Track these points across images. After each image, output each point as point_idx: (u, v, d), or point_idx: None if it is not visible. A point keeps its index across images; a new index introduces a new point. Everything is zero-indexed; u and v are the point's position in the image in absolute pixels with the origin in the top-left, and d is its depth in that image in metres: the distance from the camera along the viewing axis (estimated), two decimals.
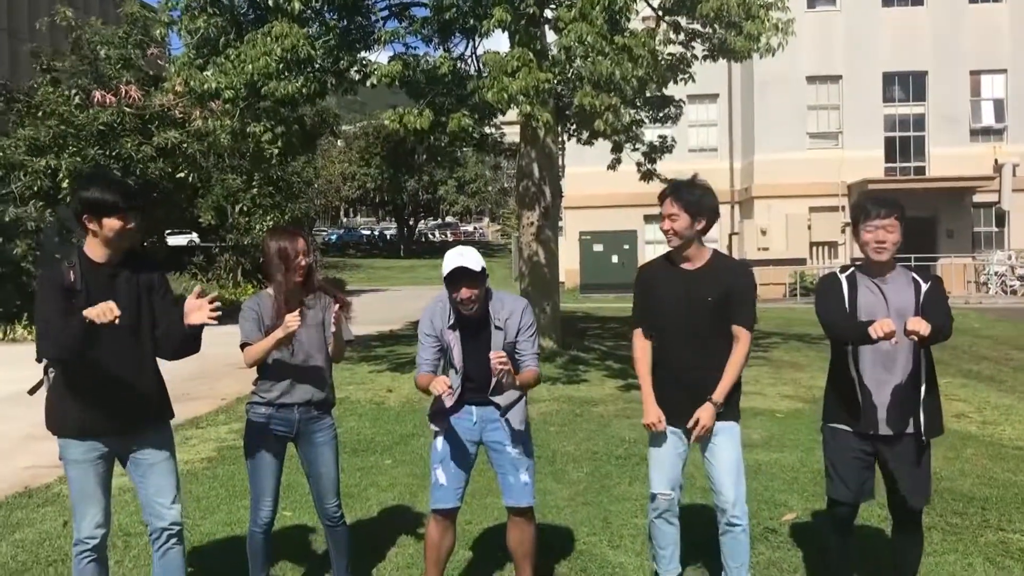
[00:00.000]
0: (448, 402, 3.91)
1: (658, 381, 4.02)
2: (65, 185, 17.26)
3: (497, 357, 3.60)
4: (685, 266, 3.98)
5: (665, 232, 3.94)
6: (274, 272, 3.97)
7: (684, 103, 16.89)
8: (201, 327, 3.41)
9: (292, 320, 3.75)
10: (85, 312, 3.13)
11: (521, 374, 3.91)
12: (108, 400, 3.43)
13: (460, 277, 3.76)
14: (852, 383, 3.77)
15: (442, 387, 3.68)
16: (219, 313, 3.36)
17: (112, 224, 3.38)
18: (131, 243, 3.51)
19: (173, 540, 3.61)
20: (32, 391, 3.58)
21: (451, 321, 3.93)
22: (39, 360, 3.47)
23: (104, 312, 3.10)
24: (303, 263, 3.97)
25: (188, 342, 3.50)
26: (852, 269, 3.86)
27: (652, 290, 4.05)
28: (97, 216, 3.36)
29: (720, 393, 3.85)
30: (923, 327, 3.37)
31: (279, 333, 3.78)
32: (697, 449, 4.07)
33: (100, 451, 3.47)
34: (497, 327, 3.90)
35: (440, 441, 4.01)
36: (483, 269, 3.79)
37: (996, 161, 27.42)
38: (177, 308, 3.51)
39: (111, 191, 3.38)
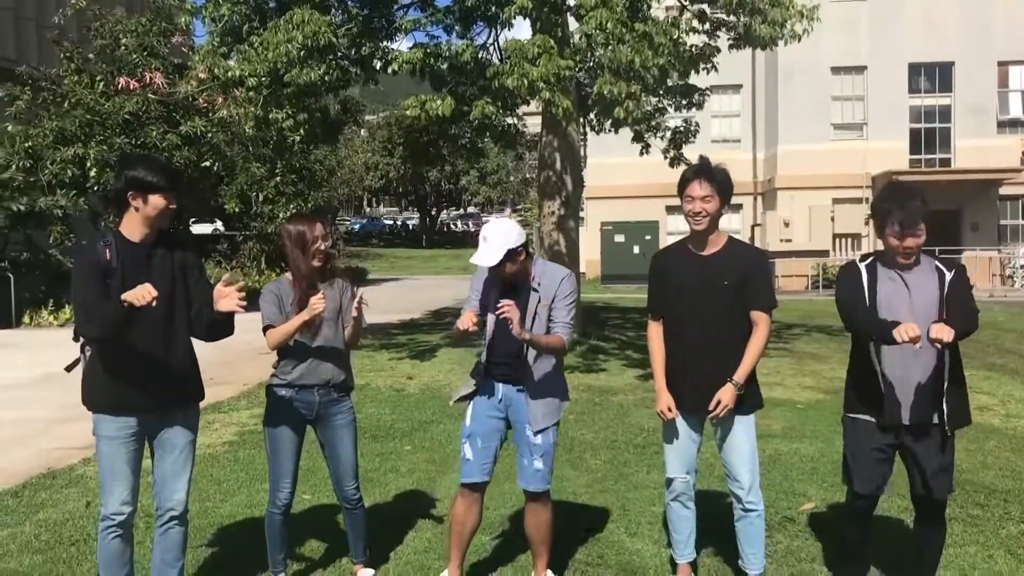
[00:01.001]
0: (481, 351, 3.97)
1: (673, 368, 4.02)
2: (93, 174, 17.42)
3: (504, 304, 3.63)
4: (702, 252, 3.97)
5: (696, 214, 3.87)
6: (292, 256, 4.04)
7: (708, 94, 16.80)
8: (230, 314, 3.51)
9: (318, 302, 3.81)
10: (124, 296, 3.22)
11: (544, 335, 3.89)
12: (143, 377, 3.51)
13: (490, 268, 3.83)
14: (875, 374, 3.72)
15: (466, 322, 3.72)
16: (245, 302, 3.46)
17: (157, 202, 3.48)
18: (167, 223, 3.59)
19: (175, 521, 3.70)
20: (69, 368, 3.66)
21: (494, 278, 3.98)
22: (76, 339, 3.57)
23: (142, 295, 3.19)
24: (321, 247, 4.03)
25: (220, 326, 3.61)
26: (873, 258, 3.82)
27: (668, 276, 4.04)
28: (143, 193, 3.46)
29: (741, 374, 3.83)
30: (946, 334, 3.33)
31: (305, 315, 3.85)
32: (713, 436, 4.09)
33: (133, 428, 3.53)
34: (534, 289, 3.93)
35: (468, 416, 4.06)
36: (508, 251, 3.75)
37: (1023, 153, 27.05)
38: (210, 290, 3.60)
39: (158, 171, 3.50)
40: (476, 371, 4.08)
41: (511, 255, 3.78)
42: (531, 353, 3.92)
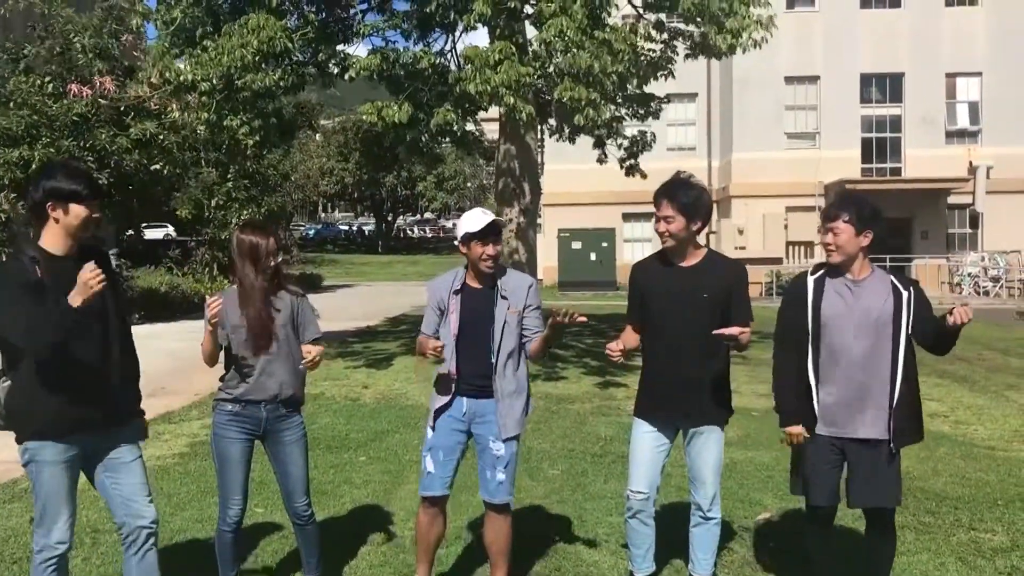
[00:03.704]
0: (445, 369, 3.97)
1: (651, 379, 4.05)
2: None
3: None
4: (680, 263, 3.98)
5: (660, 234, 3.94)
6: (241, 271, 3.90)
7: (668, 101, 16.92)
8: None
9: (212, 304, 3.71)
10: (71, 300, 3.06)
11: (533, 345, 4.01)
12: (84, 396, 3.32)
13: (490, 231, 3.85)
14: (807, 385, 3.80)
15: (430, 347, 3.79)
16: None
17: (78, 211, 3.28)
18: (91, 233, 3.40)
19: (152, 540, 3.53)
20: None
21: (457, 286, 3.97)
22: None
23: (89, 285, 3.03)
24: (272, 263, 3.90)
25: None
26: (824, 270, 3.85)
27: (647, 287, 4.05)
28: (64, 203, 3.26)
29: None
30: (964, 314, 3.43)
31: (207, 325, 3.77)
32: (679, 448, 4.12)
33: (74, 452, 3.36)
34: (503, 296, 3.94)
35: (430, 429, 4.03)
36: (495, 222, 3.91)
37: (971, 163, 27.66)
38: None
39: (79, 179, 3.32)
40: (444, 385, 4.02)
41: (498, 227, 3.88)
42: (504, 366, 3.92)
